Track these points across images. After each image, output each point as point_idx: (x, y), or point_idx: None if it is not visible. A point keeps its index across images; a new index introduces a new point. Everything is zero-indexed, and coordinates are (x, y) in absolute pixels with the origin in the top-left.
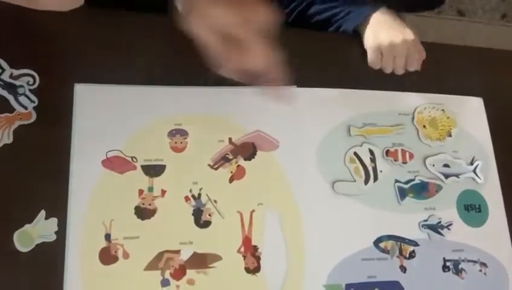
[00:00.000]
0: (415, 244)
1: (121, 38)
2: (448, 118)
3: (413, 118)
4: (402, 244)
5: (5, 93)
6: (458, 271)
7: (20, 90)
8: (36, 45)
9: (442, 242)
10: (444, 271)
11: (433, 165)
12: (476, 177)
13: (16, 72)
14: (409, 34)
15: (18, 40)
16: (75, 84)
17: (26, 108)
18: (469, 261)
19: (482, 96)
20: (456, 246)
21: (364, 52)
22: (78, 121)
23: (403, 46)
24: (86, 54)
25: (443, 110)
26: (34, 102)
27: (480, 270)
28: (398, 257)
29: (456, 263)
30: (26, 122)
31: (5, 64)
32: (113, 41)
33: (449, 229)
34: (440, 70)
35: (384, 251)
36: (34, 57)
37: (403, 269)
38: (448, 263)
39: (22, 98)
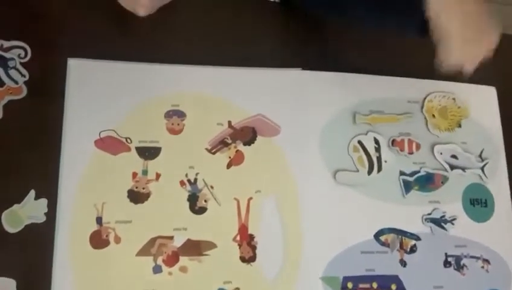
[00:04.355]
0: (417, 238)
1: (119, 12)
2: (459, 107)
3: (422, 107)
4: (403, 237)
5: None
6: (460, 267)
7: (11, 64)
8: (29, 15)
9: (445, 237)
10: (445, 267)
11: (441, 154)
12: (482, 175)
13: (6, 44)
14: None
15: (9, 10)
16: (68, 58)
17: (16, 82)
18: (471, 257)
19: (495, 85)
20: (459, 241)
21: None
22: (71, 98)
23: None
24: (81, 27)
25: (454, 98)
26: (24, 76)
27: (483, 267)
28: (398, 250)
29: (458, 259)
30: (16, 98)
31: None
32: (111, 15)
33: (453, 223)
34: None
35: (384, 244)
36: (26, 29)
37: (403, 263)
38: (450, 259)
39: (12, 72)
